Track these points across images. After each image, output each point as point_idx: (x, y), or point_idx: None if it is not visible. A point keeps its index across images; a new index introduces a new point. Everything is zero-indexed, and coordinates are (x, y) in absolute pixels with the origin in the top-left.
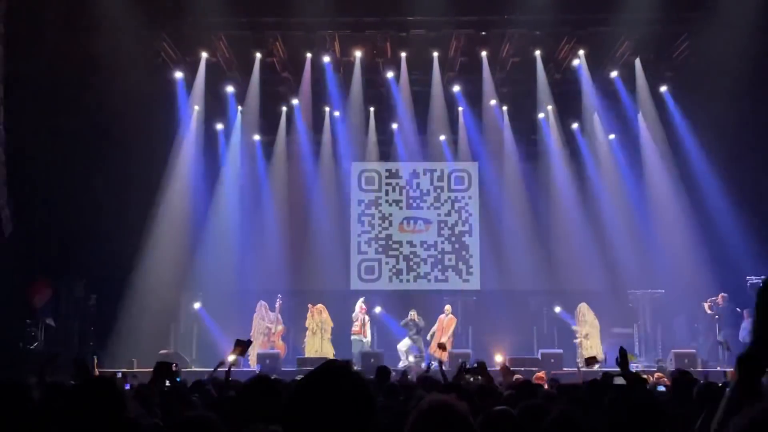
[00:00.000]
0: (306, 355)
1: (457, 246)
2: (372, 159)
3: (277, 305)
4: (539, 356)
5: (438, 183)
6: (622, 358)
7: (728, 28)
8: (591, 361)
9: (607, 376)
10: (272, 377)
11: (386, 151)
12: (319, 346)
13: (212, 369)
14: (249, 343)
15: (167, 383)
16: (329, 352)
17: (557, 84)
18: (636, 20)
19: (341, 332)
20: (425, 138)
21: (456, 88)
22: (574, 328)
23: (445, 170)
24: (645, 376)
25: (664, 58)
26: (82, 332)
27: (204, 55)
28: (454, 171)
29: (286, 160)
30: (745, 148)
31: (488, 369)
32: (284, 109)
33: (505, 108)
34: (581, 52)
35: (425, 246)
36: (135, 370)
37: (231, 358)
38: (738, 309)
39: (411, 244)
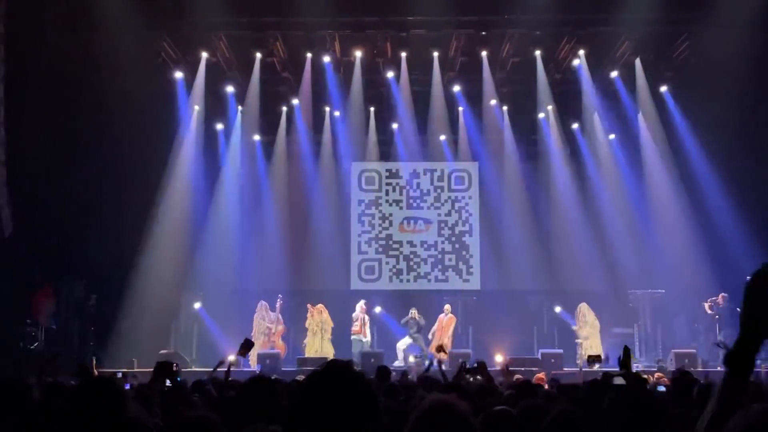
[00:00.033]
0: (306, 355)
1: (457, 246)
2: (372, 159)
3: (277, 305)
4: (539, 356)
5: (438, 183)
6: (625, 357)
7: (728, 28)
8: (594, 359)
9: (607, 376)
10: (272, 377)
11: (386, 151)
12: (319, 346)
13: (212, 369)
14: (251, 344)
15: (168, 383)
16: (329, 352)
17: (557, 84)
18: (636, 20)
19: (341, 332)
20: (425, 138)
21: (456, 88)
22: (574, 328)
23: (446, 170)
24: (645, 376)
25: (664, 58)
26: (82, 332)
27: (204, 55)
28: (454, 171)
29: (286, 160)
30: (745, 148)
31: (488, 369)
32: (284, 109)
33: (505, 108)
34: (581, 52)
35: (425, 246)
36: (135, 370)
37: (232, 358)
38: (738, 309)
39: (411, 244)
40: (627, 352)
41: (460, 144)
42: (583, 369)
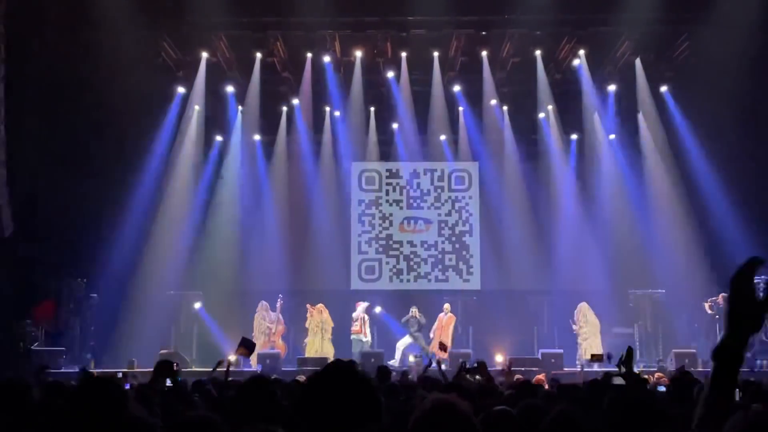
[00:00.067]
0: (306, 355)
1: (457, 246)
2: (372, 159)
3: (278, 305)
4: (539, 356)
5: (438, 183)
6: (628, 357)
7: (728, 28)
8: (596, 358)
9: (608, 376)
10: (272, 377)
11: (386, 151)
12: (319, 346)
13: (211, 369)
14: (253, 345)
15: (168, 382)
16: (329, 352)
17: (557, 84)
18: (636, 20)
19: (341, 332)
20: (425, 138)
21: (456, 88)
22: (574, 327)
23: (446, 170)
24: (645, 377)
25: (664, 58)
26: (82, 332)
27: (204, 55)
28: (454, 171)
29: (286, 160)
30: (744, 148)
31: (488, 369)
32: (284, 109)
33: (505, 108)
34: (581, 52)
35: (426, 246)
36: (135, 370)
37: (232, 358)
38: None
39: (411, 244)
40: (630, 353)
41: (460, 144)
42: (585, 369)
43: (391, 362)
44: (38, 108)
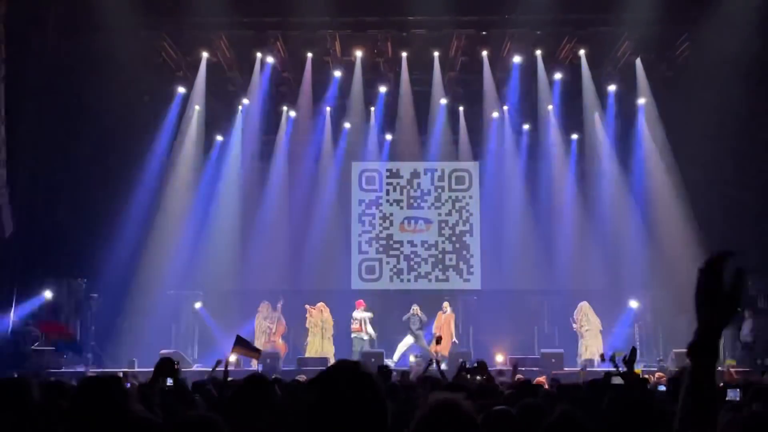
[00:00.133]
0: (306, 355)
1: (457, 246)
2: (372, 159)
3: (278, 305)
4: (540, 356)
5: (438, 183)
6: (631, 357)
7: (728, 28)
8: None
9: (608, 376)
10: (272, 377)
11: (386, 151)
12: (319, 345)
13: (211, 369)
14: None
15: (169, 381)
16: (330, 351)
17: (557, 84)
18: (636, 20)
19: (342, 332)
20: (426, 138)
21: (456, 88)
22: (574, 326)
23: (446, 170)
24: (646, 377)
25: (664, 58)
26: (82, 332)
27: (204, 54)
28: (454, 171)
29: (287, 160)
30: (744, 148)
31: (488, 369)
32: (284, 108)
33: (505, 108)
34: (582, 52)
35: (426, 246)
36: (135, 370)
37: (232, 358)
38: (738, 309)
39: (412, 243)
40: (633, 353)
41: (460, 144)
42: (587, 368)
43: (387, 361)
44: (38, 108)
